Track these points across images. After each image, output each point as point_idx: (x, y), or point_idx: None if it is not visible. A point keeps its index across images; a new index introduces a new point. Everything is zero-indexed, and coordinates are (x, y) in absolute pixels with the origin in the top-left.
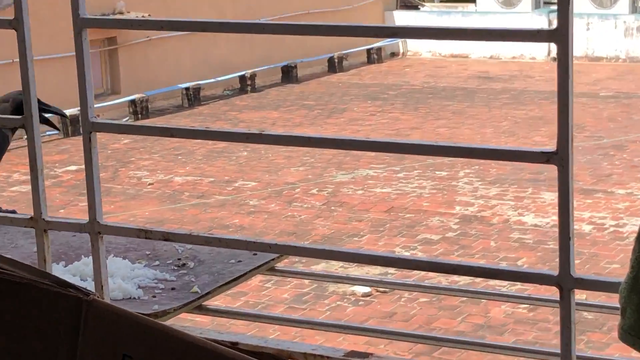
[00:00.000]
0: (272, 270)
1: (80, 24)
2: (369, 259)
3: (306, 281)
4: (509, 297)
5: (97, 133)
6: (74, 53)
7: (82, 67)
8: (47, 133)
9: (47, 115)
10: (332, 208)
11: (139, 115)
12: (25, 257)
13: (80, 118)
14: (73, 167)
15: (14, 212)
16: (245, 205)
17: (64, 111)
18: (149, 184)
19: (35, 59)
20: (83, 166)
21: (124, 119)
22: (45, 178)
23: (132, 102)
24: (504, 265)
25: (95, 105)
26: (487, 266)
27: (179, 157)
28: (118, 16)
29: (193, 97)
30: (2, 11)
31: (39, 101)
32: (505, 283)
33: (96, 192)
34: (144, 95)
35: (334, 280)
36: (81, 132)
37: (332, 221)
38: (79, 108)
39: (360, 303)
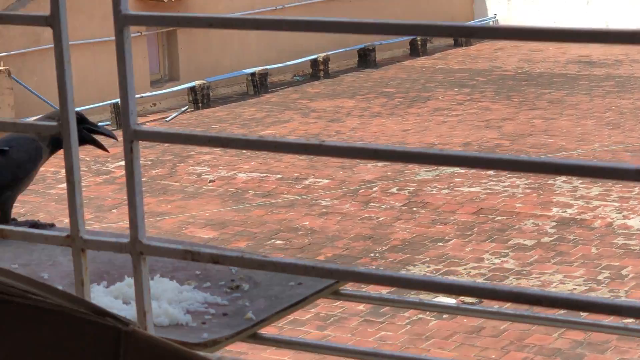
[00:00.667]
0: (337, 295)
1: (122, 21)
2: (444, 288)
3: (384, 290)
4: (613, 329)
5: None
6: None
7: (123, 69)
8: (99, 124)
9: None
10: (414, 209)
11: (200, 104)
12: (64, 275)
13: (122, 125)
14: None
15: (52, 226)
16: (317, 205)
17: (113, 133)
18: (210, 182)
19: (81, 43)
20: (141, 161)
21: (183, 108)
22: (97, 174)
23: (192, 89)
24: (600, 292)
25: (152, 93)
26: (577, 297)
27: (243, 152)
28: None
29: (259, 84)
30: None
31: (86, 120)
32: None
33: (138, 209)
34: (205, 82)
35: (405, 305)
36: (122, 140)
37: (413, 224)
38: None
39: (444, 316)
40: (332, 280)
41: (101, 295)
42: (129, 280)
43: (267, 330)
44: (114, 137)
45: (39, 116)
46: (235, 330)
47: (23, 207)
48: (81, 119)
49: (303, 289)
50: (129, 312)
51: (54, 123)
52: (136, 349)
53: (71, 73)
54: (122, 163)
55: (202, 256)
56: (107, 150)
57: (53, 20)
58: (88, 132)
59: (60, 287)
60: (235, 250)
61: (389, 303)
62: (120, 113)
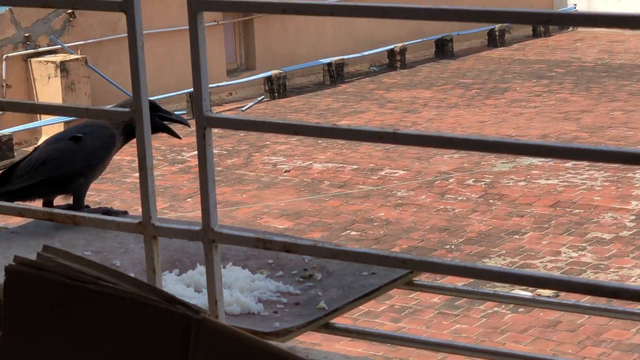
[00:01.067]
0: (411, 285)
1: (196, 7)
2: (518, 279)
3: (460, 282)
4: None
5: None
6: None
7: (197, 55)
8: (175, 113)
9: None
10: (490, 201)
11: (276, 94)
12: (136, 263)
13: (194, 111)
14: None
15: (125, 213)
16: (392, 196)
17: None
18: (286, 171)
19: (157, 32)
20: (214, 150)
21: (259, 98)
22: (172, 163)
23: (268, 78)
24: None
25: (229, 82)
26: None
27: (319, 142)
28: None
29: (336, 74)
30: None
31: (159, 108)
32: None
33: (210, 196)
34: (281, 72)
35: (481, 297)
36: (195, 127)
37: (489, 216)
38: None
39: (520, 310)
40: (405, 271)
41: (173, 283)
42: (201, 269)
43: (339, 321)
44: (187, 124)
45: (113, 104)
46: (307, 320)
47: (98, 195)
48: (154, 107)
49: (376, 279)
50: (200, 300)
51: (126, 109)
52: (206, 337)
53: (144, 59)
54: None
55: (274, 244)
56: (179, 137)
57: (127, 6)
58: (161, 120)
59: (132, 275)
60: (308, 239)
61: (464, 294)
62: (194, 100)
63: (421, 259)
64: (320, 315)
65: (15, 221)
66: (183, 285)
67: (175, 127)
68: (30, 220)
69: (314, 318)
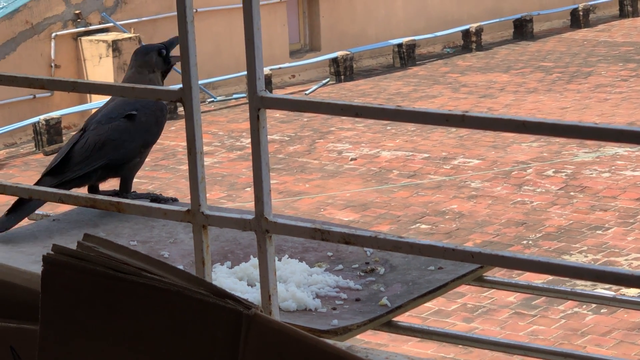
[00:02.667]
0: (480, 281)
1: None
2: (597, 275)
3: (538, 280)
4: None
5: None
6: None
7: (250, 31)
8: (234, 96)
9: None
10: (572, 194)
11: (342, 77)
12: (185, 254)
13: (247, 91)
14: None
15: (175, 200)
16: (466, 187)
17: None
18: (352, 160)
19: (216, 9)
20: (275, 136)
21: (324, 80)
22: (231, 150)
23: (334, 60)
24: None
25: (292, 64)
26: None
27: (388, 128)
28: None
29: (406, 56)
30: None
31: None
32: None
33: (264, 182)
34: (348, 53)
35: (557, 295)
36: (248, 108)
37: (570, 210)
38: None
39: (603, 310)
40: (475, 266)
41: (224, 276)
42: (255, 261)
43: (404, 319)
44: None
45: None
46: (368, 317)
47: (152, 183)
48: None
49: (443, 274)
50: (253, 295)
51: (175, 88)
52: (258, 334)
53: (194, 35)
54: None
55: (333, 235)
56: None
57: None
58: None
59: (180, 267)
60: (368, 230)
61: (539, 292)
62: (247, 79)
63: (491, 253)
64: (382, 313)
65: (61, 208)
66: (235, 279)
67: None
68: (73, 207)
69: (375, 315)
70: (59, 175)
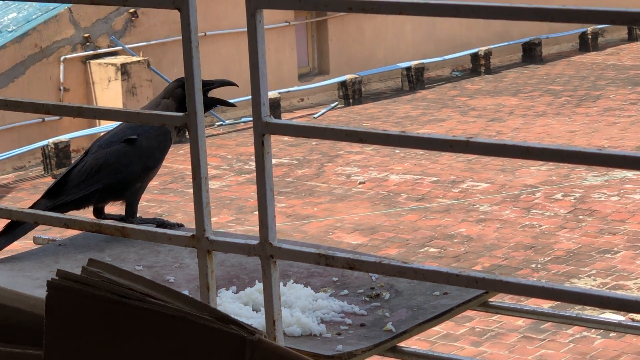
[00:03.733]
0: (486, 306)
1: (255, 4)
2: (600, 302)
3: (546, 305)
4: None
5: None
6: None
7: (255, 56)
8: (242, 120)
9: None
10: (580, 217)
11: (350, 100)
12: (190, 279)
13: (252, 117)
14: (273, 161)
15: (180, 226)
16: (474, 211)
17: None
18: (360, 183)
19: (224, 33)
20: (283, 159)
21: (333, 104)
22: (239, 174)
23: (343, 83)
24: None
25: (300, 88)
26: None
27: (397, 152)
28: None
29: (415, 79)
30: None
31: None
32: None
33: (269, 207)
34: (356, 76)
35: (562, 320)
36: (253, 133)
37: (579, 233)
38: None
39: (612, 335)
40: (480, 291)
41: (229, 301)
42: (260, 286)
43: (412, 343)
44: (234, 84)
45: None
46: (373, 342)
47: (160, 207)
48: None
49: (448, 299)
50: (258, 320)
51: (180, 114)
52: (262, 359)
53: (199, 60)
54: None
55: (337, 261)
56: (234, 106)
57: (181, 3)
58: (206, 93)
59: (185, 292)
60: (373, 255)
61: (543, 317)
62: (252, 104)
63: (495, 278)
64: (387, 338)
65: (68, 232)
66: (240, 304)
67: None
68: (79, 231)
69: (380, 341)
70: (55, 198)
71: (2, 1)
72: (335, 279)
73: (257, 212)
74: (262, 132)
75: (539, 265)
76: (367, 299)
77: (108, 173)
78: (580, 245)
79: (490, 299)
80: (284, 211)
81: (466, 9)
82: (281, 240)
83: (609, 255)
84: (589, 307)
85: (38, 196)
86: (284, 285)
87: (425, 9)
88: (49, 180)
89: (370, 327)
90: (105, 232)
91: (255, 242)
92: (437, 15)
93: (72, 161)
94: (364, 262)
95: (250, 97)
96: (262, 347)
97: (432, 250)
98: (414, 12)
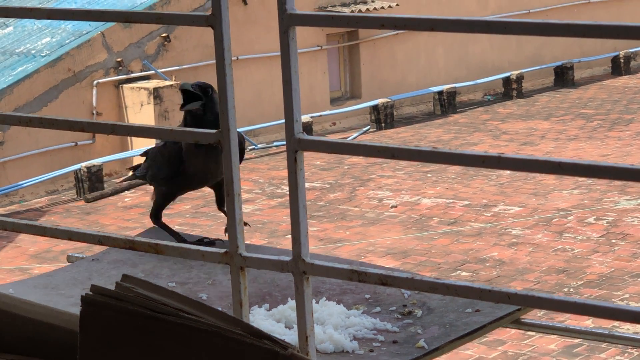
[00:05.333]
0: (518, 324)
1: (287, 22)
2: (633, 317)
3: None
4: None
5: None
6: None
7: (288, 73)
8: (275, 144)
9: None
10: (613, 241)
11: (382, 124)
12: (223, 296)
13: (285, 134)
14: (305, 185)
15: (214, 243)
16: (506, 235)
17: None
18: (392, 207)
19: (257, 57)
20: (315, 183)
21: (365, 128)
22: (271, 197)
23: (375, 107)
24: None
25: (332, 112)
26: None
27: (429, 175)
28: (360, 6)
29: (447, 103)
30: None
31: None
32: None
33: (302, 224)
34: (388, 100)
35: (595, 338)
36: (286, 151)
37: (612, 257)
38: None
39: None
40: (513, 308)
41: (262, 318)
42: (293, 303)
43: (446, 358)
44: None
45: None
46: (406, 359)
47: (193, 230)
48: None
49: (480, 316)
50: (291, 337)
51: (213, 131)
52: None
53: (232, 78)
54: None
55: (370, 277)
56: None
57: (214, 21)
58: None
59: (218, 309)
60: (405, 272)
61: (576, 334)
62: (285, 121)
63: (527, 294)
64: (419, 355)
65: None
66: (273, 321)
67: None
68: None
69: (412, 357)
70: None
71: (36, 26)
72: (367, 296)
73: (289, 236)
74: (295, 148)
75: (571, 290)
76: (400, 316)
77: (147, 164)
78: (613, 269)
79: (522, 317)
80: (316, 235)
81: (498, 26)
82: (313, 257)
83: None
84: (622, 329)
85: (71, 220)
86: (317, 302)
87: (457, 25)
88: (82, 204)
89: (402, 344)
90: (139, 249)
91: (288, 258)
92: (468, 31)
93: (105, 185)
94: (396, 278)
95: (281, 121)
96: None
97: (464, 274)
98: (446, 28)
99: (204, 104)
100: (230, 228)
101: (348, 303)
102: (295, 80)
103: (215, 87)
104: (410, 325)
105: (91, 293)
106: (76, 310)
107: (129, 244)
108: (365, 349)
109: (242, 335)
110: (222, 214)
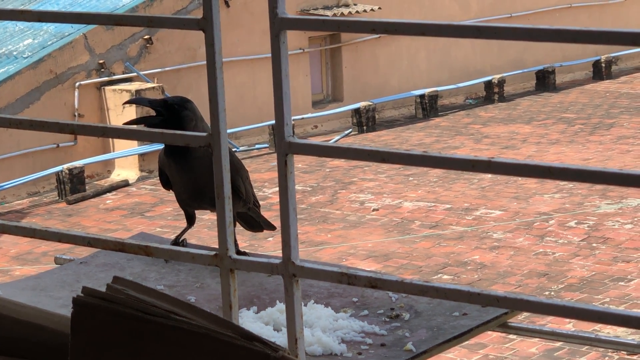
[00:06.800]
0: (504, 327)
1: (279, 26)
2: (621, 320)
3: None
4: None
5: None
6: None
7: (278, 77)
8: (256, 146)
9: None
10: (594, 245)
11: (364, 127)
12: (211, 299)
13: (275, 137)
14: None
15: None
16: (488, 238)
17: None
18: (374, 210)
19: (239, 60)
20: (297, 186)
21: (347, 131)
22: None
23: (357, 111)
24: None
25: (314, 115)
26: None
27: (410, 179)
28: (342, 9)
29: (429, 107)
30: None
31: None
32: None
33: (292, 227)
34: (370, 104)
35: (580, 341)
36: (269, 152)
37: (593, 261)
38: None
39: None
40: (499, 312)
41: (250, 321)
42: (281, 306)
43: None
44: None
45: None
46: None
47: (174, 232)
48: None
49: (468, 320)
50: (279, 340)
51: (203, 134)
52: None
53: (223, 80)
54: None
55: (359, 280)
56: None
57: (205, 24)
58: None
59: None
60: (394, 275)
61: (562, 338)
62: (275, 124)
63: (516, 297)
64: (407, 358)
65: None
66: (261, 324)
67: None
68: (99, 250)
69: None
70: None
71: (18, 27)
72: (355, 299)
73: (271, 239)
74: (286, 151)
75: (552, 293)
76: (387, 320)
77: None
78: (593, 272)
79: (508, 320)
80: (300, 240)
81: (488, 31)
82: (303, 260)
83: (622, 283)
84: (604, 332)
85: (53, 222)
86: (305, 305)
87: (447, 31)
88: (63, 206)
89: (390, 347)
90: (129, 251)
91: (277, 261)
92: (458, 36)
93: (87, 187)
94: (386, 281)
95: (264, 123)
96: None
97: (445, 277)
98: (436, 33)
99: (164, 119)
100: (220, 230)
101: (336, 306)
102: (286, 84)
103: (202, 88)
104: (398, 328)
105: (82, 295)
106: (65, 312)
107: (119, 246)
108: (353, 351)
109: (232, 338)
110: (204, 217)
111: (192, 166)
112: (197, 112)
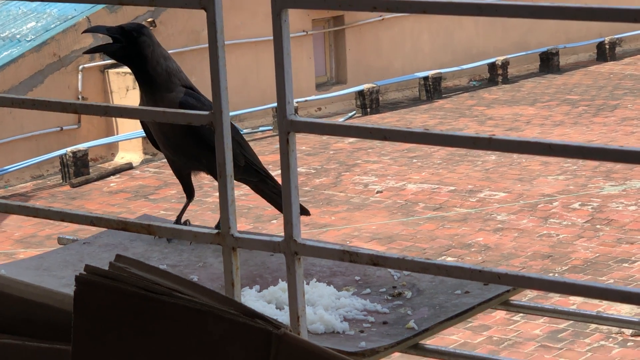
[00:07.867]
0: (506, 305)
1: (280, 4)
2: (621, 297)
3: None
4: None
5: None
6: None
7: (280, 55)
8: (260, 129)
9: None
10: (598, 227)
11: (368, 109)
12: (214, 278)
13: (277, 115)
14: None
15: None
16: (492, 220)
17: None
18: (378, 192)
19: (242, 42)
20: (301, 168)
21: (350, 113)
22: None
23: (360, 93)
24: None
25: (317, 97)
26: None
27: (414, 161)
28: None
29: (432, 89)
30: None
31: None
32: None
33: (293, 205)
34: (374, 86)
35: (582, 319)
36: (272, 134)
37: (597, 242)
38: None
39: (629, 344)
40: (501, 290)
41: (253, 300)
42: (283, 285)
43: (429, 341)
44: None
45: None
46: (396, 340)
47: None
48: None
49: (470, 297)
50: (282, 318)
51: (205, 113)
52: (287, 353)
53: (225, 60)
54: None
55: (361, 257)
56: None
57: (207, 2)
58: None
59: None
60: (396, 253)
61: (563, 316)
62: (277, 103)
63: (517, 274)
64: (409, 336)
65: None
66: (264, 302)
67: None
68: (103, 230)
69: (402, 338)
70: None
71: (21, 10)
72: (357, 278)
73: (274, 221)
74: (288, 130)
75: (556, 275)
76: (389, 298)
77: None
78: (597, 254)
79: (510, 299)
80: (301, 220)
81: (489, 8)
82: (305, 239)
83: (626, 265)
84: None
85: (57, 205)
86: (307, 284)
87: (449, 8)
88: (67, 189)
89: (392, 325)
90: (131, 230)
91: (280, 239)
92: (459, 14)
93: (91, 170)
94: (388, 258)
95: (267, 106)
96: (288, 340)
97: (449, 259)
98: (437, 11)
99: (123, 46)
100: (222, 209)
101: (338, 285)
102: (288, 63)
103: (206, 71)
104: (400, 306)
105: (85, 273)
106: (68, 290)
107: (122, 225)
108: (355, 329)
109: (235, 315)
110: (207, 199)
111: (157, 106)
112: (153, 38)
